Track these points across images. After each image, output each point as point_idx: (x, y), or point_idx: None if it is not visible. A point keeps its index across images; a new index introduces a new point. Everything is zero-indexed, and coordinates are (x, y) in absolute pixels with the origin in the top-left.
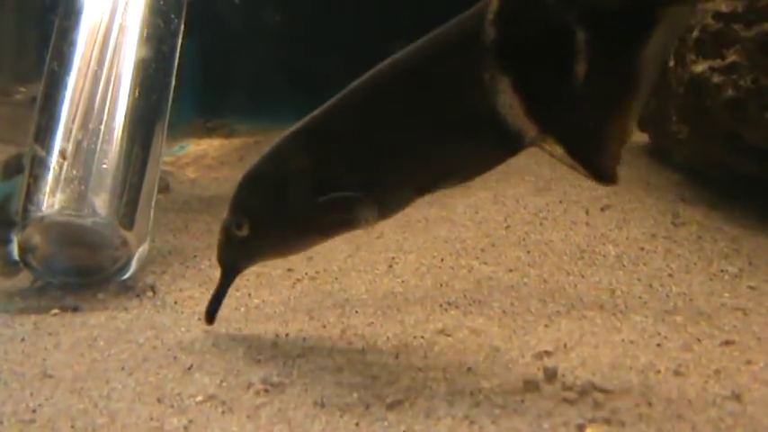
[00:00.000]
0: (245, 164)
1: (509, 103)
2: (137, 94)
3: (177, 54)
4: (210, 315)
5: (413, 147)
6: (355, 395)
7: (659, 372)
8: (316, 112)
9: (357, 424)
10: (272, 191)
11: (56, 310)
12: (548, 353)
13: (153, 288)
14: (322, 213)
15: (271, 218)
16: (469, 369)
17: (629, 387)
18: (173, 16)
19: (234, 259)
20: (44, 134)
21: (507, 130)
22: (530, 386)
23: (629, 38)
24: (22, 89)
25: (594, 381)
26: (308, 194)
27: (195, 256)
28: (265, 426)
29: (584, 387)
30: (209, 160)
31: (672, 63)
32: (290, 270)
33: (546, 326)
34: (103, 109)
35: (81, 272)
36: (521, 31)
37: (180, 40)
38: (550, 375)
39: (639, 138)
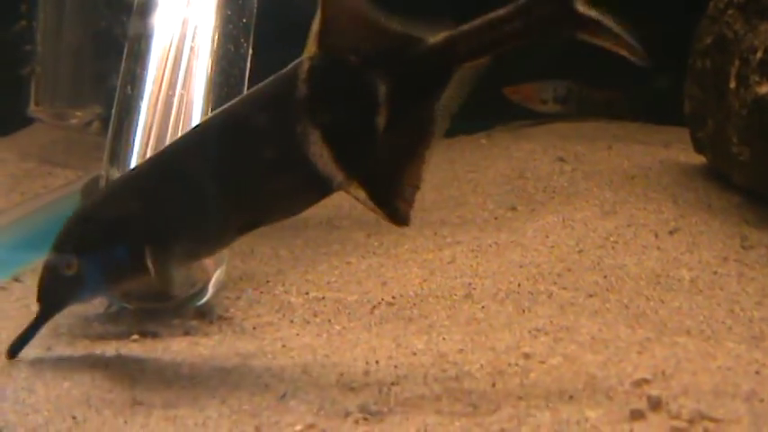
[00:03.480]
0: None
1: (319, 153)
2: None
3: (246, 78)
4: (14, 352)
5: (235, 193)
6: (458, 424)
7: (763, 400)
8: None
9: None
10: (98, 234)
11: (135, 336)
12: (646, 380)
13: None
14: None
15: (95, 260)
16: (571, 397)
17: (737, 416)
18: (242, 40)
19: (58, 298)
20: (119, 158)
21: (318, 176)
22: (636, 415)
23: (426, 92)
24: (78, 113)
25: (701, 409)
26: (126, 240)
27: (268, 282)
28: None
29: (692, 416)
30: None
31: (733, 84)
32: (365, 294)
33: (639, 353)
34: (177, 132)
35: (157, 297)
36: (328, 89)
37: (248, 64)
38: (655, 404)
39: (695, 160)
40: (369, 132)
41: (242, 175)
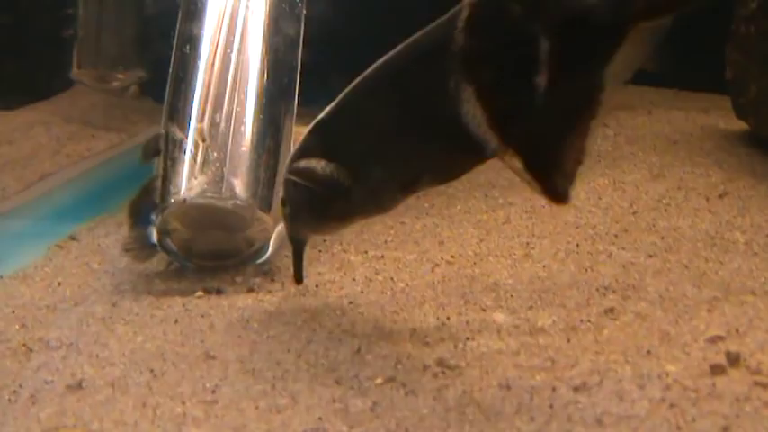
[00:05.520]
0: None
1: (472, 112)
2: (267, 76)
3: (301, 38)
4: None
5: (394, 146)
6: (538, 378)
7: None
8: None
9: (551, 406)
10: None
11: (200, 293)
12: (721, 337)
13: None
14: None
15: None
16: (649, 352)
17: None
18: (297, 0)
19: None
20: (178, 117)
21: (471, 138)
22: (717, 370)
23: (595, 53)
24: (120, 76)
25: None
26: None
27: (324, 241)
28: (455, 408)
29: None
30: None
31: None
32: (424, 253)
33: (709, 311)
34: (236, 91)
35: (218, 255)
36: (486, 40)
37: (303, 25)
38: (734, 359)
39: (735, 126)
40: (527, 94)
41: (399, 131)
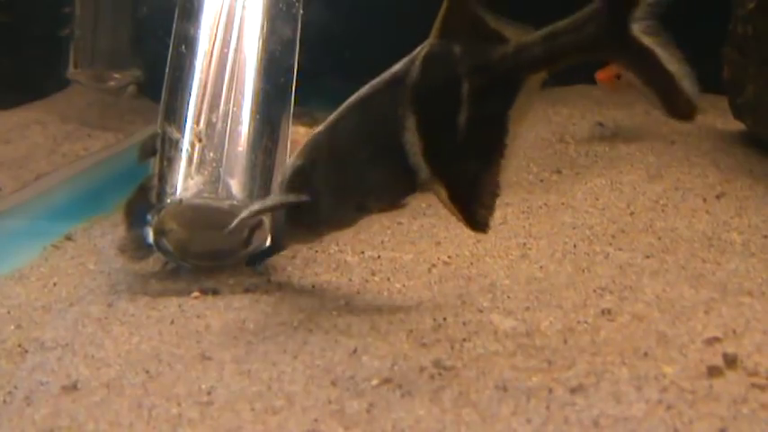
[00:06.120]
0: None
1: (411, 141)
2: (264, 76)
3: (298, 38)
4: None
5: (350, 166)
6: (535, 379)
7: None
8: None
9: (547, 407)
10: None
11: (196, 293)
12: (718, 338)
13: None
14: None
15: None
16: (646, 354)
17: None
18: (294, 0)
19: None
20: (174, 117)
21: (407, 165)
22: (714, 371)
23: (500, 96)
24: (117, 75)
25: None
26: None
27: (321, 241)
28: (451, 409)
29: None
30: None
31: None
32: (420, 254)
33: (706, 312)
34: (232, 91)
35: (214, 255)
36: (428, 77)
37: (300, 24)
38: (731, 361)
39: (732, 126)
40: (452, 129)
41: (356, 153)
